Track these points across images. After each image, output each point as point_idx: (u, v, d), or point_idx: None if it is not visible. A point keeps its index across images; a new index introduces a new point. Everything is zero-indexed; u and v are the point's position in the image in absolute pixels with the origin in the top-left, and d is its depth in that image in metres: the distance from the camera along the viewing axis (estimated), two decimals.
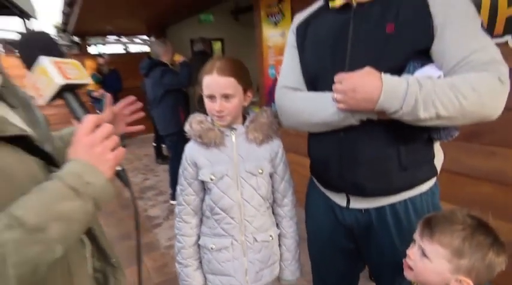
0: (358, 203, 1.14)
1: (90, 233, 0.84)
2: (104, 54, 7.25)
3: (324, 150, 1.18)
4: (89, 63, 6.40)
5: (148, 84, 3.69)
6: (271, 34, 3.24)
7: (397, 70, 0.95)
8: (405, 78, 0.89)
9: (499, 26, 1.56)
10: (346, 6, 1.04)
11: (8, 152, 0.63)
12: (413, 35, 0.95)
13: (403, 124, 0.95)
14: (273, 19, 3.17)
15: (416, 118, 0.89)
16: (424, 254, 0.90)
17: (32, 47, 0.72)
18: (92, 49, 10.08)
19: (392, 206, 1.09)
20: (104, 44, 12.84)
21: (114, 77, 6.55)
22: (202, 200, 1.32)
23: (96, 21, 6.25)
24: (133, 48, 12.99)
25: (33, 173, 0.66)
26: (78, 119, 0.72)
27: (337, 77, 0.94)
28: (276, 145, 1.29)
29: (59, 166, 0.69)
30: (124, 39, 12.48)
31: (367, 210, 1.13)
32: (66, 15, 5.71)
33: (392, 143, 1.02)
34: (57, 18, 6.93)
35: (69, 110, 0.74)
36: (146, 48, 10.80)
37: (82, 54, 8.04)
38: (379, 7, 0.99)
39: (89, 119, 0.69)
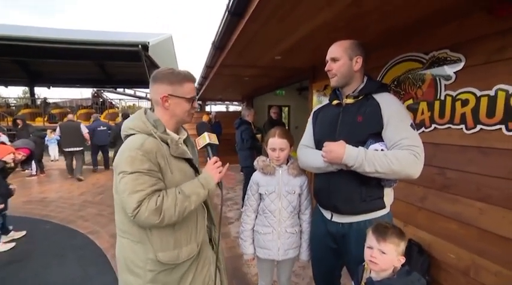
0: (337, 218, 1.29)
1: (206, 205, 1.19)
2: (212, 111, 8.16)
3: (320, 184, 1.35)
4: (205, 116, 7.13)
5: (237, 134, 3.97)
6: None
7: (363, 142, 1.16)
8: (359, 148, 1.10)
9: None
10: (339, 104, 1.30)
11: (185, 163, 1.08)
12: (372, 124, 1.15)
13: (365, 175, 1.14)
14: (319, 98, 3.44)
15: (364, 171, 1.09)
16: (382, 252, 1.03)
17: (201, 128, 1.30)
18: (207, 108, 11.09)
19: (357, 223, 1.23)
20: (215, 104, 14.04)
21: (218, 126, 7.13)
22: (258, 204, 1.55)
23: (213, 92, 7.14)
24: (231, 108, 13.96)
25: (191, 173, 1.09)
26: (209, 157, 1.16)
27: (325, 144, 1.17)
28: (304, 178, 1.52)
29: (198, 172, 1.12)
30: (226, 102, 13.63)
31: (343, 224, 1.27)
32: (200, 85, 5.65)
33: (357, 185, 1.18)
34: None
35: (206, 154, 1.18)
36: (239, 108, 11.67)
37: (202, 111, 9.17)
38: (356, 107, 1.22)
39: (213, 159, 1.13)
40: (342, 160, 1.11)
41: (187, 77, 1.08)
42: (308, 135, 1.46)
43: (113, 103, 14.33)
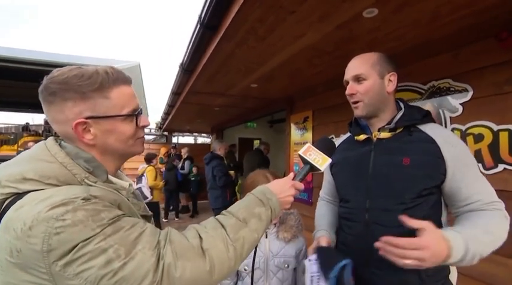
0: None
1: None
2: (175, 144, 7.43)
3: (352, 259, 0.85)
4: (163, 148, 6.44)
5: (208, 170, 3.51)
6: (296, 142, 3.16)
7: (414, 197, 0.79)
8: (461, 232, 0.69)
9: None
10: (367, 140, 0.92)
11: None
12: (429, 170, 0.78)
13: None
14: (299, 132, 3.12)
15: (468, 264, 0.69)
16: None
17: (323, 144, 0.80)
18: (174, 139, 10.20)
19: None
20: (182, 136, 13.33)
21: (177, 158, 6.30)
22: (235, 284, 1.07)
23: (181, 123, 6.63)
24: (200, 140, 13.39)
25: None
26: (295, 177, 0.75)
27: (407, 243, 0.64)
28: (301, 243, 1.07)
29: None
30: (195, 134, 13.02)
31: None
32: (166, 114, 5.37)
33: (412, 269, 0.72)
34: (159, 119, 7.35)
35: (298, 172, 0.77)
36: (208, 140, 11.12)
37: (167, 143, 8.45)
38: (395, 143, 0.85)
39: (291, 174, 0.75)
40: (446, 260, 0.66)
41: (115, 77, 0.58)
42: (325, 185, 1.11)
43: None
